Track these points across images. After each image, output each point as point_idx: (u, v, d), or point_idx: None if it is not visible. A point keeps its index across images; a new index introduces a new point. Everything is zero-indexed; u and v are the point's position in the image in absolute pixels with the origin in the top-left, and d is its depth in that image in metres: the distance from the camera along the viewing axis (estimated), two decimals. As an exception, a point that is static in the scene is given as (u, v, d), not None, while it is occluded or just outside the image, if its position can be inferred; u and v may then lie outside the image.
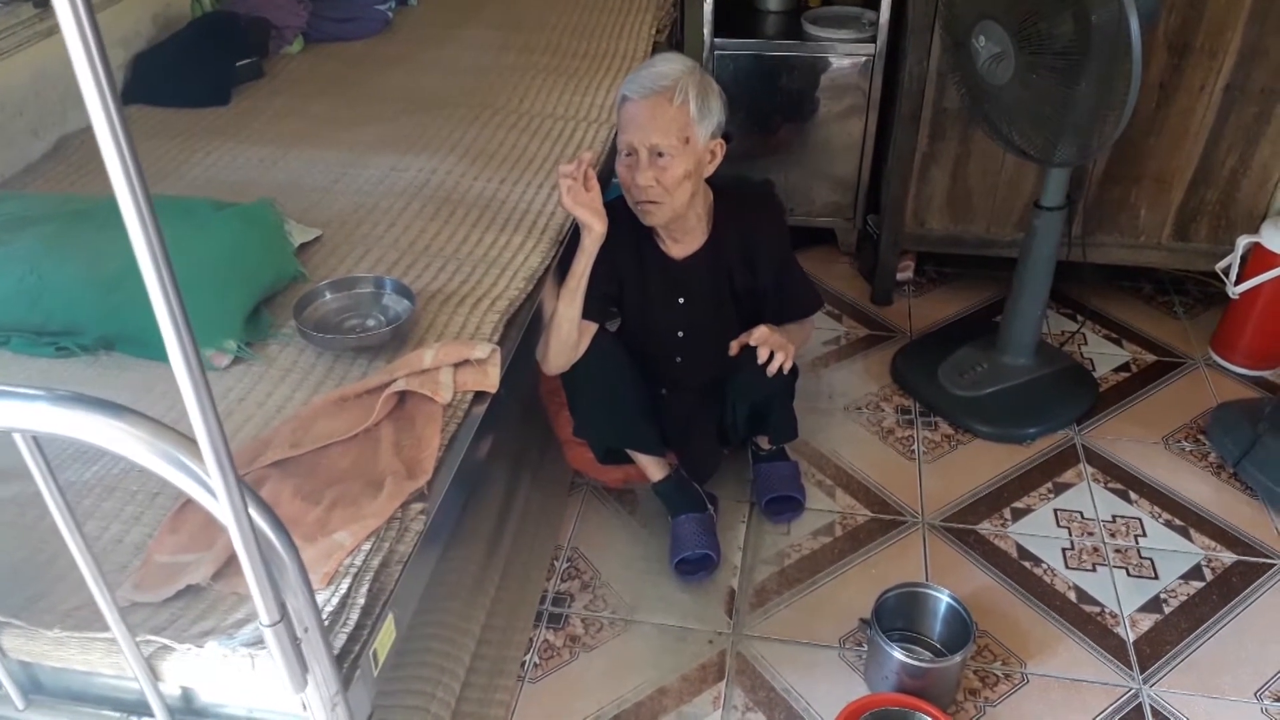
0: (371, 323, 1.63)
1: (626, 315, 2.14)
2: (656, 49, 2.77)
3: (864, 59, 2.90)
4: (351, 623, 1.16)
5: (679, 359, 2.18)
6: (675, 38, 3.04)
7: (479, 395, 1.53)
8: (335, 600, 1.16)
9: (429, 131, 2.28)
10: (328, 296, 1.65)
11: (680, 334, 2.14)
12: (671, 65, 1.84)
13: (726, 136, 1.93)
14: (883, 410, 2.59)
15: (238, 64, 2.50)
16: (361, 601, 1.18)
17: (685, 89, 1.81)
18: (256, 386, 1.53)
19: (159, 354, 1.55)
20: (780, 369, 1.92)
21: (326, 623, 1.13)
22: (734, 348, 1.97)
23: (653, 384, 2.21)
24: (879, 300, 3.01)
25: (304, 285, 1.74)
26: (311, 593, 0.98)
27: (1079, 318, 2.92)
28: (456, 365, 1.53)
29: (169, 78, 2.42)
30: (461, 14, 2.99)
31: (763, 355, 1.90)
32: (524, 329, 1.72)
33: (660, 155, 1.81)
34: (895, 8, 2.80)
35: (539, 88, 2.49)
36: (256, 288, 1.66)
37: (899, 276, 3.03)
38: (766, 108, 3.00)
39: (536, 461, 2.26)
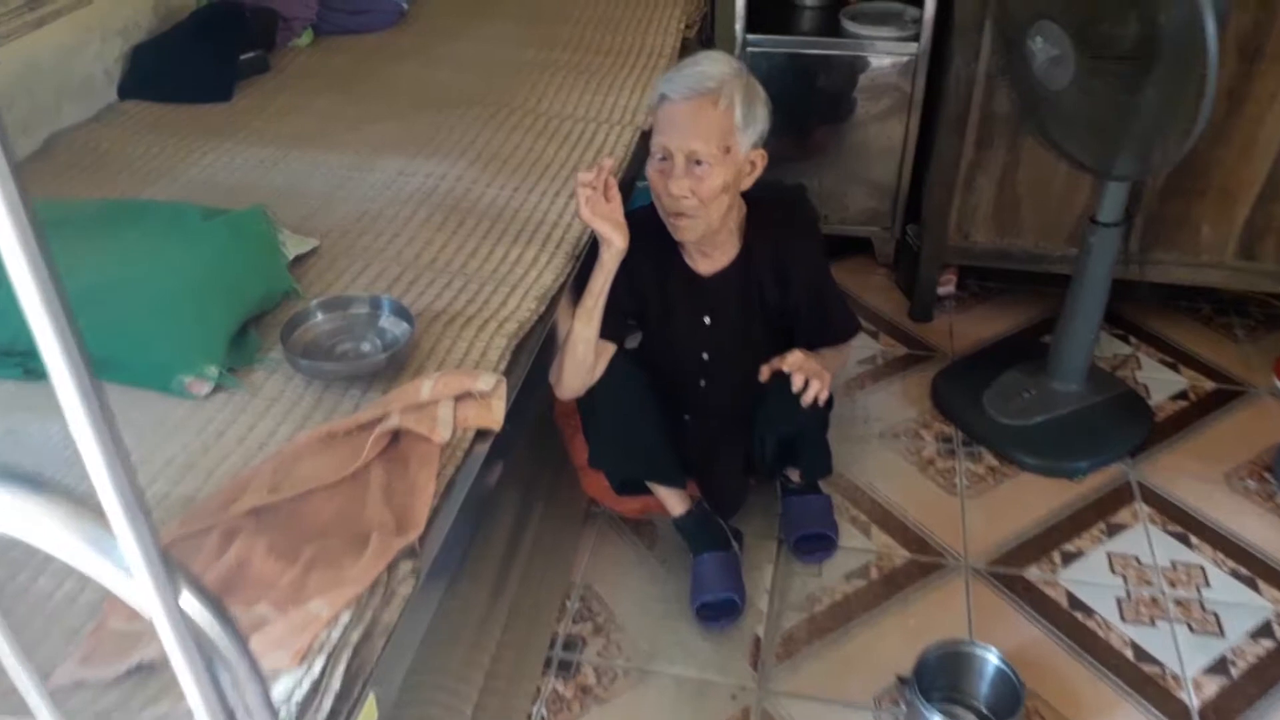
0: (366, 347, 1.48)
1: (648, 334, 1.99)
2: (686, 46, 2.61)
3: (906, 58, 2.72)
4: (325, 709, 1.01)
5: (703, 383, 2.03)
6: (705, 33, 2.88)
7: (482, 433, 1.38)
8: (306, 684, 1.01)
9: (440, 132, 2.13)
10: (319, 318, 1.50)
11: (705, 356, 1.98)
12: (717, 66, 1.68)
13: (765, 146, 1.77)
14: (922, 438, 2.42)
15: (242, 57, 2.35)
16: (337, 686, 1.03)
17: (731, 93, 1.65)
18: (238, 419, 1.38)
19: (135, 378, 1.41)
20: (815, 399, 1.76)
21: (296, 712, 0.98)
22: (764, 373, 1.81)
23: (674, 409, 2.05)
24: (918, 317, 2.84)
25: (297, 303, 1.59)
26: (268, 697, 0.82)
27: (1132, 340, 2.73)
28: (457, 398, 1.37)
29: (169, 71, 2.28)
30: (479, 5, 2.83)
31: (797, 383, 1.74)
32: (535, 354, 1.57)
33: (698, 163, 1.66)
34: (940, 4, 2.62)
35: (558, 86, 2.33)
36: (244, 306, 1.51)
37: (940, 291, 2.85)
38: (801, 108, 2.83)
39: (549, 488, 2.10)
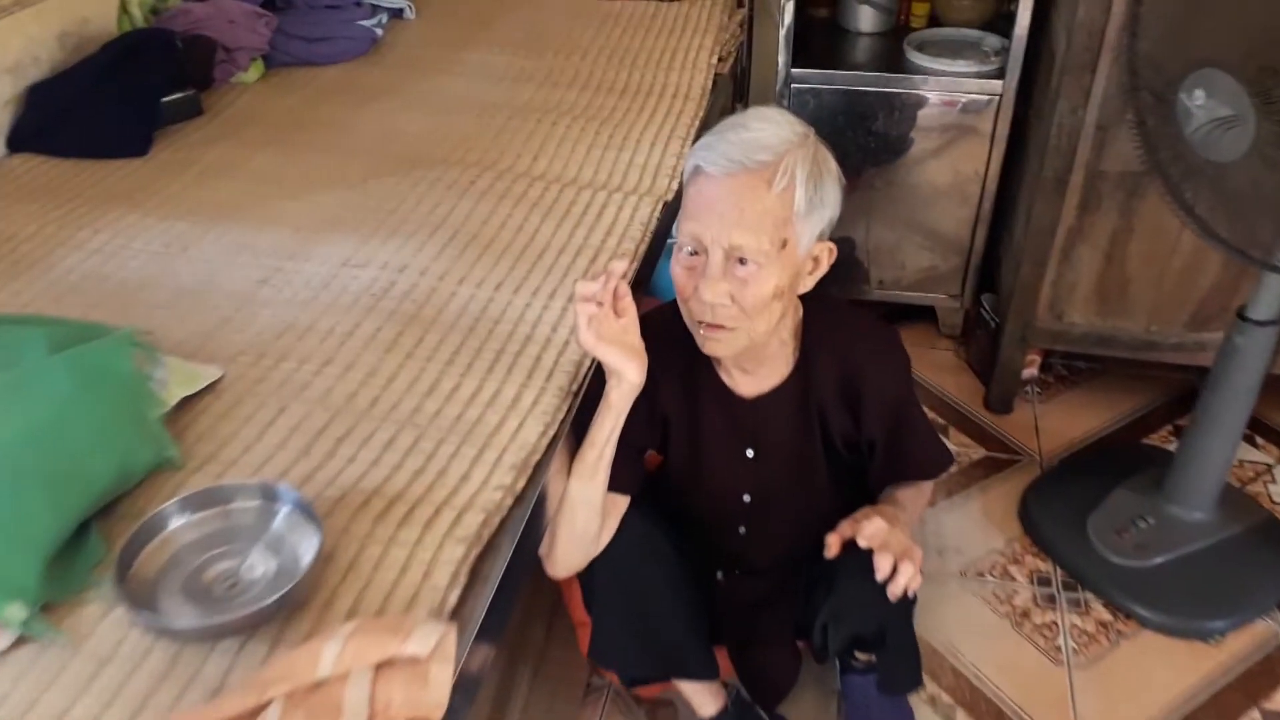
0: (253, 571, 1.00)
1: (672, 467, 1.51)
2: (718, 82, 2.12)
3: (986, 99, 2.23)
4: None
5: (743, 530, 1.55)
6: (741, 65, 2.39)
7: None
8: None
9: (405, 204, 1.65)
10: (183, 522, 1.02)
11: (747, 498, 1.51)
12: (774, 130, 1.22)
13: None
14: (1013, 578, 1.92)
15: (165, 99, 1.88)
16: None
17: (791, 169, 1.19)
18: (45, 694, 0.91)
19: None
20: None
21: None
22: (832, 545, 1.32)
23: (704, 564, 1.58)
24: (996, 408, 2.34)
25: (173, 476, 1.12)
26: None
27: (1260, 442, 2.23)
28: (377, 668, 0.89)
29: (71, 118, 1.81)
30: (470, 31, 2.35)
31: (883, 569, 1.26)
32: (508, 560, 1.09)
33: (743, 262, 1.20)
34: (1033, 33, 2.13)
35: (560, 138, 1.85)
36: (82, 497, 1.04)
37: (1021, 374, 2.36)
38: (855, 154, 2.35)
39: (539, 649, 1.62)
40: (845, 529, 1.32)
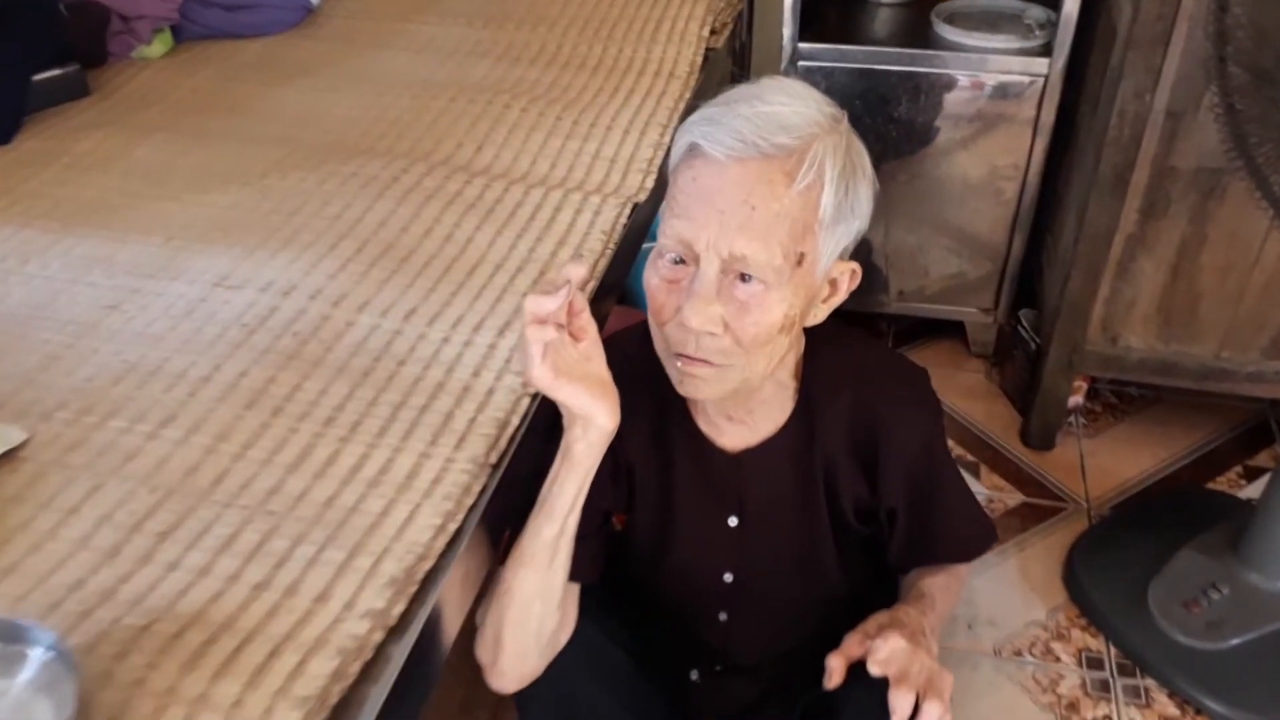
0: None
1: (636, 534, 1.19)
2: (710, 58, 1.79)
3: (1028, 80, 1.88)
4: None
5: (724, 617, 1.23)
6: (739, 40, 2.05)
7: None
8: None
9: (309, 205, 1.33)
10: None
11: (728, 577, 1.18)
12: (799, 108, 0.90)
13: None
14: (1058, 659, 1.60)
15: (39, 77, 1.56)
16: None
17: (820, 160, 0.88)
18: None
19: None
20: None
21: None
22: (834, 672, 0.98)
23: (674, 662, 1.26)
24: (1035, 442, 2.01)
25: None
26: None
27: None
28: None
29: (-77, 98, 1.49)
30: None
31: (901, 711, 0.92)
32: (388, 689, 0.76)
33: (744, 279, 0.88)
34: (1087, 2, 1.78)
35: (513, 124, 1.52)
36: None
37: (1067, 403, 2.02)
38: (873, 144, 1.98)
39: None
40: (852, 647, 0.99)
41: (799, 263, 0.90)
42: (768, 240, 0.87)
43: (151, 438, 0.97)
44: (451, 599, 0.88)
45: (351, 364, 1.07)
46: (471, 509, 0.92)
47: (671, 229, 0.90)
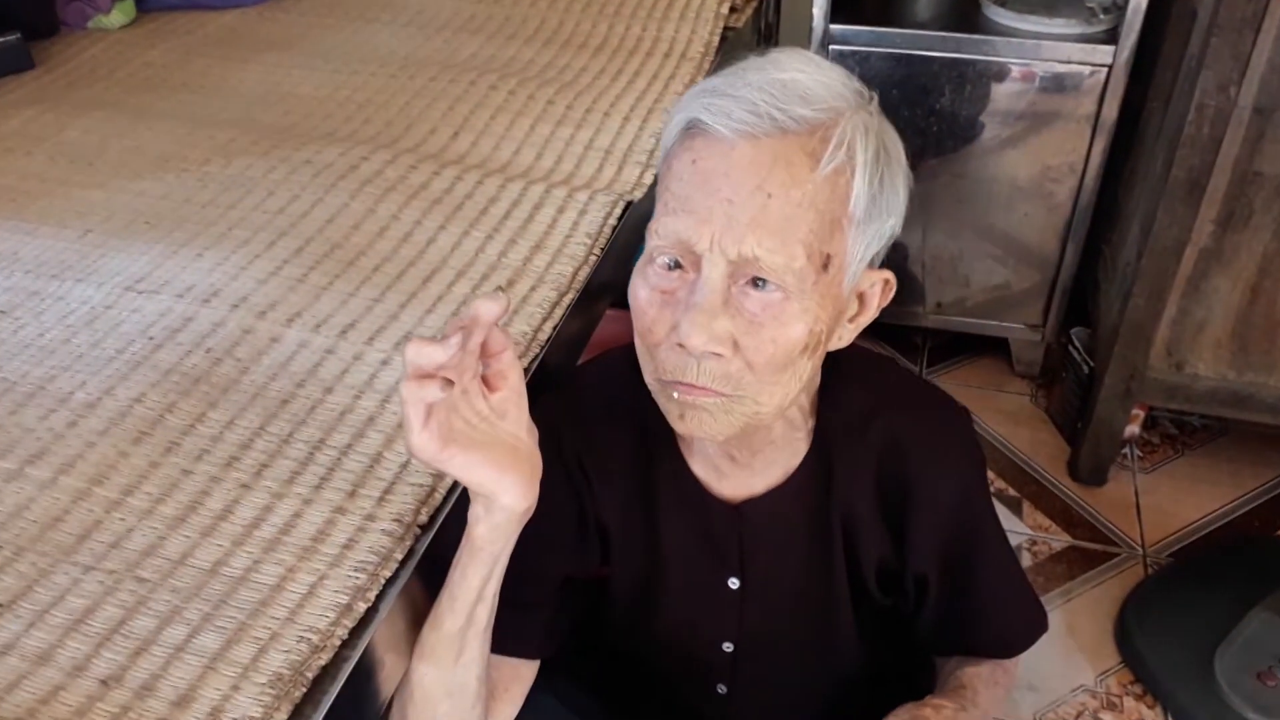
0: None
1: (617, 594, 1.00)
2: (729, 38, 1.59)
3: (1089, 70, 1.67)
4: None
5: (723, 689, 1.03)
6: (765, 20, 1.85)
7: None
8: None
9: (251, 196, 1.15)
10: None
11: (728, 647, 0.99)
12: (821, 78, 0.71)
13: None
14: (1109, 735, 1.39)
15: (-27, 46, 1.40)
16: None
17: (849, 140, 0.70)
18: None
19: None
20: None
21: None
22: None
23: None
24: (1085, 477, 1.80)
25: None
26: None
27: None
28: None
29: None
30: (421, -29, 1.83)
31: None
32: None
33: (758, 285, 0.69)
34: (1161, -17, 1.57)
35: (496, 108, 1.33)
36: None
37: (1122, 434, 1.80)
38: (912, 138, 1.77)
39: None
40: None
41: (824, 266, 0.70)
42: (786, 237, 0.68)
43: (13, 478, 0.80)
44: (353, 704, 0.69)
45: (269, 390, 0.88)
46: (389, 583, 0.73)
47: (665, 227, 0.71)
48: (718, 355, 0.71)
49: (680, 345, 0.71)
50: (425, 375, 0.62)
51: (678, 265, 0.72)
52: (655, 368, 0.76)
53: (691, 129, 0.71)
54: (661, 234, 0.71)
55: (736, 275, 0.70)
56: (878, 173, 0.71)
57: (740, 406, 0.74)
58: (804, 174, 0.68)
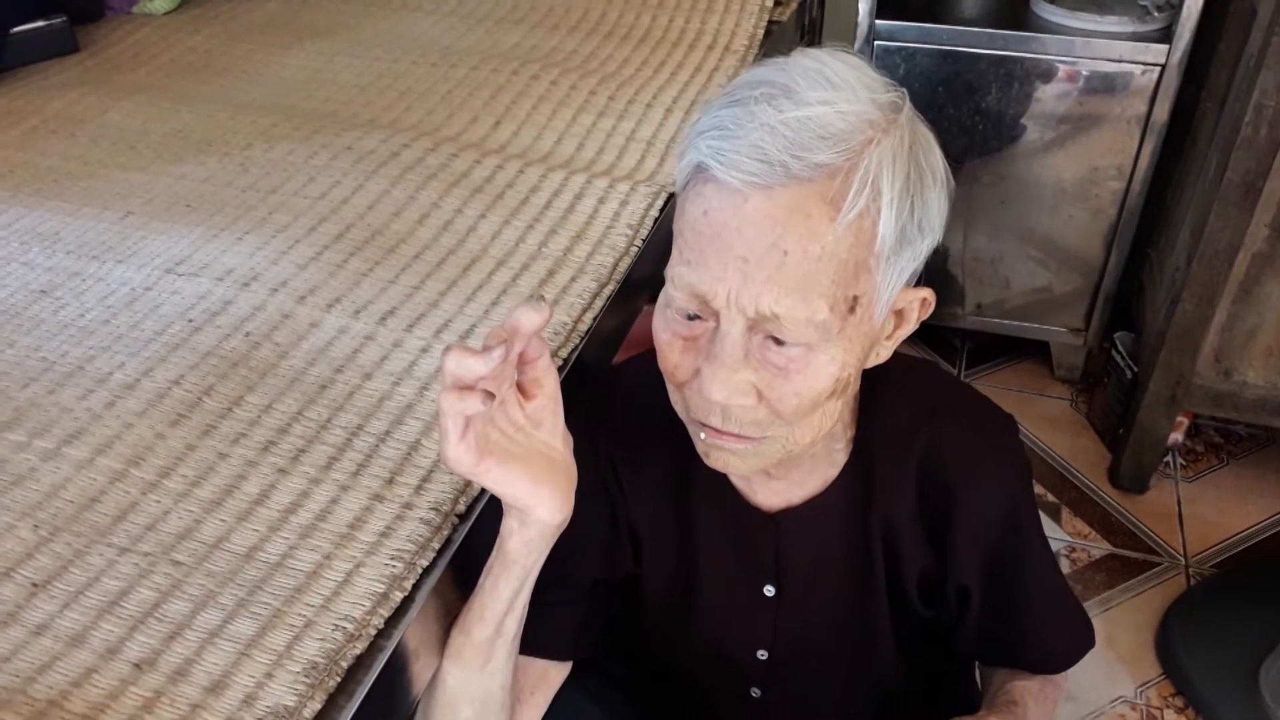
0: None
1: (649, 600, 0.98)
2: (774, 32, 1.57)
3: (1141, 70, 1.64)
4: None
5: (757, 693, 1.01)
6: (809, 16, 1.83)
7: None
8: None
9: (291, 181, 1.14)
10: None
11: (763, 654, 0.97)
12: (843, 104, 0.64)
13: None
14: (1148, 750, 1.36)
15: (19, 29, 1.40)
16: None
17: (873, 176, 0.63)
18: None
19: None
20: None
21: None
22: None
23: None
24: (1127, 484, 1.76)
25: None
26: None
27: None
28: None
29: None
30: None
31: None
32: None
33: (778, 342, 0.66)
34: (1218, -19, 1.54)
35: (538, 98, 1.32)
36: None
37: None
38: (957, 138, 1.78)
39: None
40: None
41: (851, 309, 0.67)
42: (807, 293, 0.64)
43: (50, 457, 0.79)
44: (387, 695, 0.68)
45: (307, 374, 0.88)
46: (426, 573, 0.72)
47: (681, 278, 0.67)
48: (743, 404, 0.68)
49: (705, 395, 0.68)
50: (465, 387, 0.60)
51: (694, 317, 0.69)
52: (682, 402, 0.73)
53: (701, 172, 0.66)
54: (678, 285, 0.68)
55: (756, 329, 0.67)
56: (907, 201, 0.66)
57: (768, 448, 0.71)
58: (823, 226, 0.63)
